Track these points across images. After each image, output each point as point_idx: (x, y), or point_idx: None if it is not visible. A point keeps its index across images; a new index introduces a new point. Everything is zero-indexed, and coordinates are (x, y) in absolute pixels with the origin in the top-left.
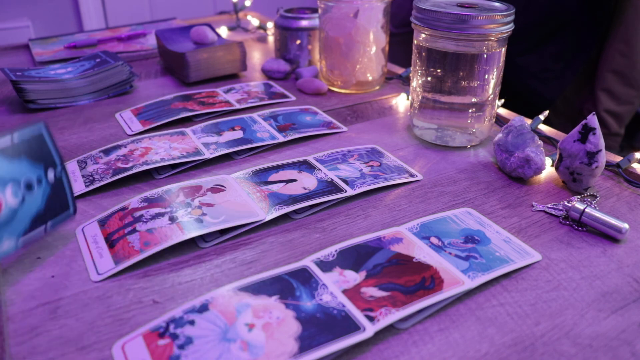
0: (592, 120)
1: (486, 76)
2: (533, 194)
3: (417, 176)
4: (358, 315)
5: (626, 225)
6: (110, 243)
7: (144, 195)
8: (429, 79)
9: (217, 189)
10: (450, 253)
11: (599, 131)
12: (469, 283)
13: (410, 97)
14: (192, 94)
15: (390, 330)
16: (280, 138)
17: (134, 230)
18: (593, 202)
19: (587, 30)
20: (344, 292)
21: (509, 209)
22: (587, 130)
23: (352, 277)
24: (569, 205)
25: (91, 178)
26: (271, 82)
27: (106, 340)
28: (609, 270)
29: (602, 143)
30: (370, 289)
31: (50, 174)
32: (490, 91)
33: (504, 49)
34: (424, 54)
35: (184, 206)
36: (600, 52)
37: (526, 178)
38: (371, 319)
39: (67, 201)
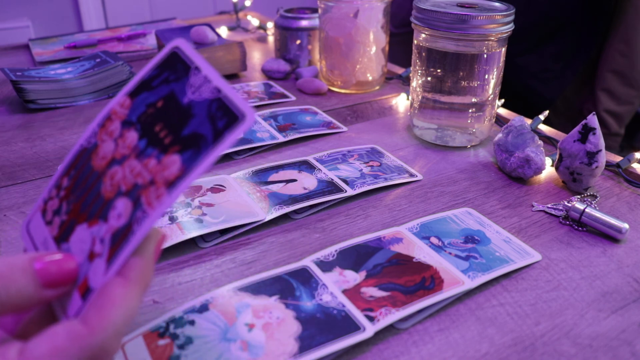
0: (592, 120)
1: (486, 76)
2: (533, 194)
3: (417, 176)
4: (358, 315)
5: (626, 225)
6: None
7: None
8: (429, 79)
9: (217, 189)
10: (450, 253)
11: (599, 131)
12: (469, 283)
13: (410, 97)
14: None
15: (390, 330)
16: (280, 138)
17: None
18: (593, 202)
19: (587, 30)
20: (344, 292)
21: (509, 209)
22: (587, 130)
23: (352, 277)
24: (569, 205)
25: None
26: (271, 82)
27: None
28: (609, 270)
29: (602, 143)
30: (370, 289)
31: None
32: (490, 91)
33: (504, 49)
34: (424, 54)
35: (183, 206)
36: (600, 52)
37: (526, 178)
38: (371, 319)
39: None
